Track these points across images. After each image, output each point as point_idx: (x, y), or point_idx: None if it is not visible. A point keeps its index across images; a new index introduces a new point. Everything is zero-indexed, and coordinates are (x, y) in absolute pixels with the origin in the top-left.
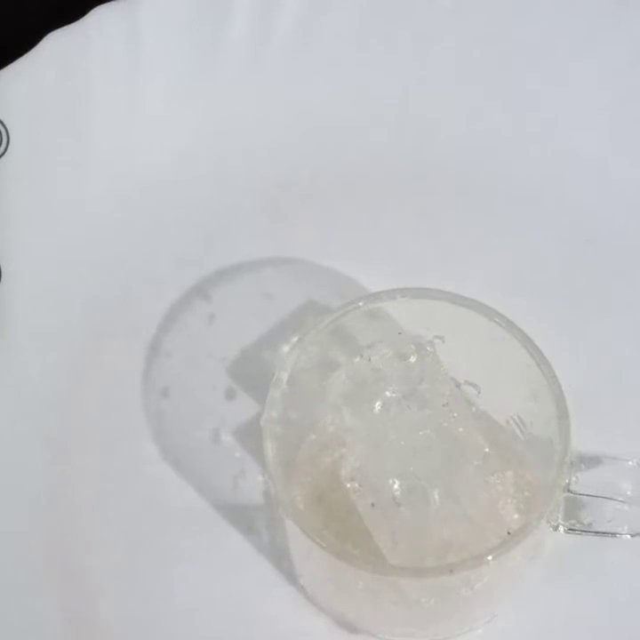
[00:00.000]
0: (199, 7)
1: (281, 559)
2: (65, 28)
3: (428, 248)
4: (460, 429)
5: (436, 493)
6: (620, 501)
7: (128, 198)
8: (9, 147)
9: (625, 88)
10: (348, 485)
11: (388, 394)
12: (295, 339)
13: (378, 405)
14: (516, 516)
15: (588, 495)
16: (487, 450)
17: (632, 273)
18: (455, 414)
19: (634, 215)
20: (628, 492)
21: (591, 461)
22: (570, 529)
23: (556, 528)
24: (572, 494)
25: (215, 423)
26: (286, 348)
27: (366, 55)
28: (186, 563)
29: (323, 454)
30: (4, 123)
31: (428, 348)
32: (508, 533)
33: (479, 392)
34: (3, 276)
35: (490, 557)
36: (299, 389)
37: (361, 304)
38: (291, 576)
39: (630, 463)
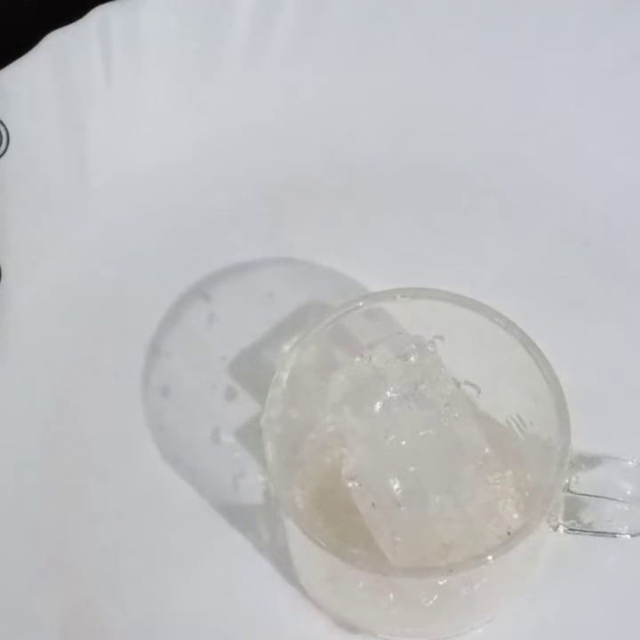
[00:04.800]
0: (199, 7)
1: (281, 559)
2: (65, 27)
3: (428, 248)
4: (461, 430)
5: (437, 493)
6: (620, 501)
7: (128, 198)
8: (9, 147)
9: (626, 87)
10: (349, 485)
11: (388, 394)
12: (295, 338)
13: (378, 405)
14: (515, 515)
15: (588, 495)
16: (487, 450)
17: (632, 273)
18: (456, 414)
19: (634, 215)
20: (628, 492)
21: (591, 461)
22: (570, 529)
23: (555, 528)
24: (572, 494)
25: (215, 423)
26: (286, 348)
27: (366, 56)
28: (185, 563)
29: (323, 454)
30: (4, 123)
31: (429, 348)
32: (508, 533)
33: (479, 392)
34: (3, 276)
35: (490, 557)
36: (299, 389)
37: (361, 304)
38: (291, 576)
39: (630, 463)
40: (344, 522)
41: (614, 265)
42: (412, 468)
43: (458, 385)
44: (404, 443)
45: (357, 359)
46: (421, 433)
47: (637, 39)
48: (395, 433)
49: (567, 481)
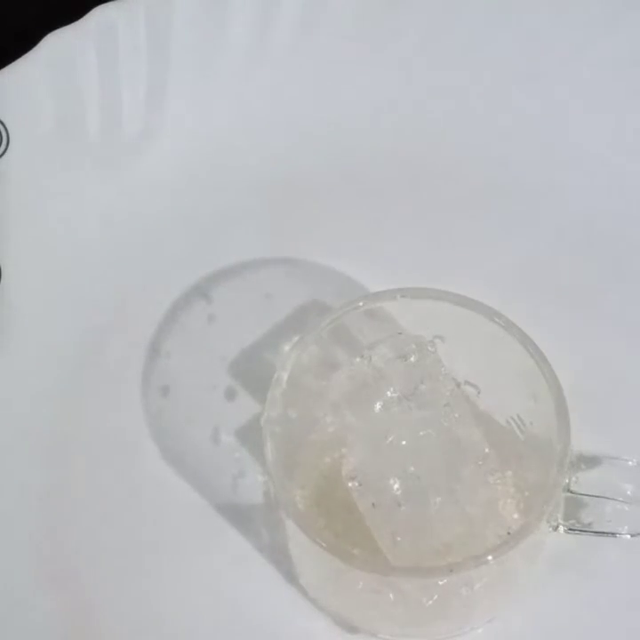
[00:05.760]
0: (199, 7)
1: (281, 559)
2: (65, 27)
3: (429, 248)
4: (461, 429)
5: (437, 493)
6: (620, 501)
7: (128, 198)
8: (9, 147)
9: (626, 87)
10: (349, 485)
11: (388, 394)
12: (295, 338)
13: (378, 405)
14: (515, 515)
15: (588, 495)
16: (487, 450)
17: (632, 273)
18: (456, 414)
19: (634, 215)
20: (628, 492)
21: (591, 461)
22: (570, 529)
23: (555, 528)
24: (572, 494)
25: (215, 423)
26: (286, 348)
27: (366, 55)
28: (185, 563)
29: (323, 454)
30: (4, 123)
31: (429, 348)
32: (508, 533)
33: (479, 392)
34: (3, 276)
35: (490, 557)
36: (299, 389)
37: (361, 304)
38: (291, 576)
39: (630, 463)
40: (344, 522)
41: (614, 265)
42: (412, 468)
43: (458, 385)
44: (404, 443)
45: (357, 359)
46: (421, 433)
47: (637, 39)
48: (395, 433)
49: (567, 481)
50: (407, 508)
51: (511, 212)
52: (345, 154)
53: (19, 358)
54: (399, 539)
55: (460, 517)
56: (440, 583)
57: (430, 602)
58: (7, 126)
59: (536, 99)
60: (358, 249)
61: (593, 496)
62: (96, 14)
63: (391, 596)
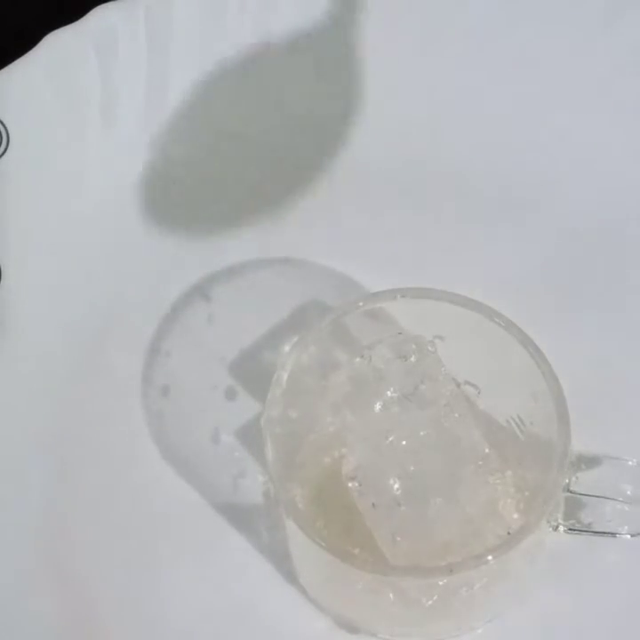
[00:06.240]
0: (199, 7)
1: (281, 559)
2: (65, 27)
3: (428, 248)
4: (461, 430)
5: (437, 493)
6: (620, 501)
7: (128, 198)
8: (9, 147)
9: (624, 89)
10: (349, 485)
11: (388, 394)
12: (295, 338)
13: (378, 405)
14: (515, 515)
15: (588, 495)
16: (487, 450)
17: (632, 273)
18: (456, 414)
19: (633, 216)
20: (628, 492)
21: (591, 461)
22: (570, 529)
23: (555, 528)
24: (571, 494)
25: (215, 423)
26: (286, 348)
27: (366, 55)
28: (186, 563)
29: (323, 454)
30: (4, 123)
31: (429, 348)
32: (508, 533)
33: (479, 392)
34: (3, 275)
35: (490, 557)
36: (299, 389)
37: (361, 304)
38: (291, 576)
39: (630, 463)
40: (344, 522)
41: (614, 265)
42: (412, 468)
43: (458, 385)
44: (404, 443)
45: (357, 359)
46: (421, 433)
47: (636, 39)
48: (395, 433)
49: (567, 481)
50: (407, 508)
51: (511, 212)
52: (345, 153)
53: (19, 358)
54: (399, 539)
55: (460, 517)
56: (440, 583)
57: (430, 602)
58: (7, 126)
59: (537, 101)
60: (358, 249)
61: (593, 496)
62: (96, 14)
63: (391, 595)
